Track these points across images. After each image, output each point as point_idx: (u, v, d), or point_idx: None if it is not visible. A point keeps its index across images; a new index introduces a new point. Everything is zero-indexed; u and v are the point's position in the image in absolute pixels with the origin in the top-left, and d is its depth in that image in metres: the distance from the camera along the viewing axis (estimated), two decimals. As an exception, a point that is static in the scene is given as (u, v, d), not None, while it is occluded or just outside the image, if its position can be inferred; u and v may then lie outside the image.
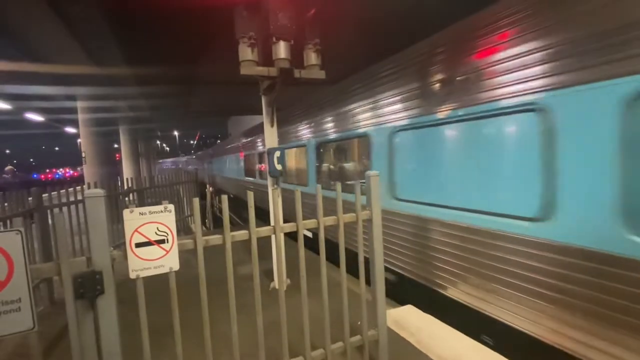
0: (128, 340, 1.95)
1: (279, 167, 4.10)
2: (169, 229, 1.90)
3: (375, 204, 2.53)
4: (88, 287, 1.71)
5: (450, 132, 3.27)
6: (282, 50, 3.73)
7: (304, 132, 6.74)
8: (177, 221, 1.98)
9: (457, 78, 3.10)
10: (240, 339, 2.15)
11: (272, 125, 4.31)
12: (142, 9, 6.36)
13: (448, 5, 6.62)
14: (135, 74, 11.05)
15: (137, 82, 12.01)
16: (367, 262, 2.60)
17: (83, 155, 13.52)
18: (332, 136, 5.59)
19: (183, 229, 8.86)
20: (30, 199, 4.49)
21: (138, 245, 1.83)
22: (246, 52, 3.73)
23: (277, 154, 4.09)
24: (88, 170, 13.53)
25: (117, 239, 5.80)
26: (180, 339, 1.98)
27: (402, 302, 3.86)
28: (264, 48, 3.87)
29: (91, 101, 13.06)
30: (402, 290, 4.04)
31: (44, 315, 4.00)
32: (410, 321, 3.34)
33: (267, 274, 4.54)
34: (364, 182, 2.59)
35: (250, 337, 2.35)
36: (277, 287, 4.31)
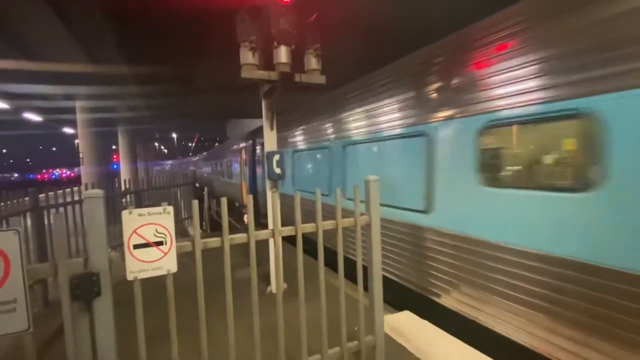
0: (123, 343, 1.93)
1: (277, 170, 4.11)
2: (168, 230, 1.89)
3: (374, 209, 2.53)
4: (85, 288, 1.70)
5: None
6: (283, 54, 3.76)
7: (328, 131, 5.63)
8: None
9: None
10: (236, 344, 2.13)
11: (271, 129, 4.32)
12: (142, 9, 6.38)
13: (448, 11, 6.71)
14: (134, 73, 11.02)
15: (135, 82, 11.99)
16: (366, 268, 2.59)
17: (81, 155, 13.48)
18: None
19: (180, 232, 8.87)
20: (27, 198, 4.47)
21: (136, 246, 1.82)
22: (247, 56, 3.75)
23: (277, 157, 4.10)
24: (85, 171, 13.49)
25: (113, 241, 5.76)
26: (176, 343, 1.96)
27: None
28: (264, 52, 3.89)
29: (90, 101, 13.03)
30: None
31: (38, 317, 3.96)
32: (407, 327, 3.32)
33: (264, 278, 4.52)
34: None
35: (246, 341, 2.33)
36: (274, 291, 4.29)
